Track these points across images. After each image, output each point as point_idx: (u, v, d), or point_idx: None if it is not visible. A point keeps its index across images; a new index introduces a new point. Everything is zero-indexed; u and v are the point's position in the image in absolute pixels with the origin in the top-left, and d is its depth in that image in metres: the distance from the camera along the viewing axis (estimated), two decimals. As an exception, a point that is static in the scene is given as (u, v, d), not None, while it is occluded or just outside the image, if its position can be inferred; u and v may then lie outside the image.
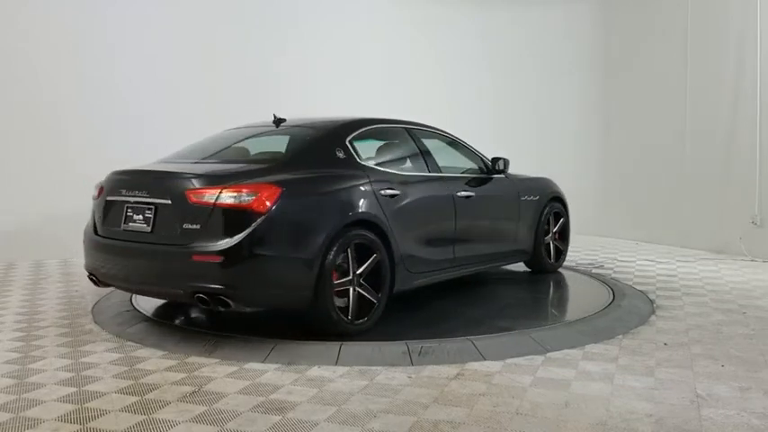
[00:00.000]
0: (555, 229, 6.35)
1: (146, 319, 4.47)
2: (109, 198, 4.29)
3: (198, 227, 3.75)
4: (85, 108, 7.70)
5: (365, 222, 4.21)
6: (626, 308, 4.77)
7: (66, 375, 3.42)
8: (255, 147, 4.88)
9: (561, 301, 5.33)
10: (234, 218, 3.74)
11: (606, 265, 6.82)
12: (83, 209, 7.52)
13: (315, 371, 3.47)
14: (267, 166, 4.21)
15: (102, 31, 7.79)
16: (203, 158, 4.64)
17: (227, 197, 3.75)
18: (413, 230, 4.63)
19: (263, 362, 3.61)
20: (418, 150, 5.16)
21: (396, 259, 4.40)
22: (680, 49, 8.31)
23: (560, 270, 6.52)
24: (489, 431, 2.68)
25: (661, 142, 8.67)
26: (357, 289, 4.12)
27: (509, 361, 3.60)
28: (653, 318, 4.60)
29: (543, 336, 4.00)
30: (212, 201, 3.75)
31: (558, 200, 6.42)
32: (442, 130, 5.63)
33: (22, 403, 3.03)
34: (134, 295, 5.25)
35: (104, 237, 4.28)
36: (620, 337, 4.10)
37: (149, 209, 4.00)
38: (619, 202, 9.55)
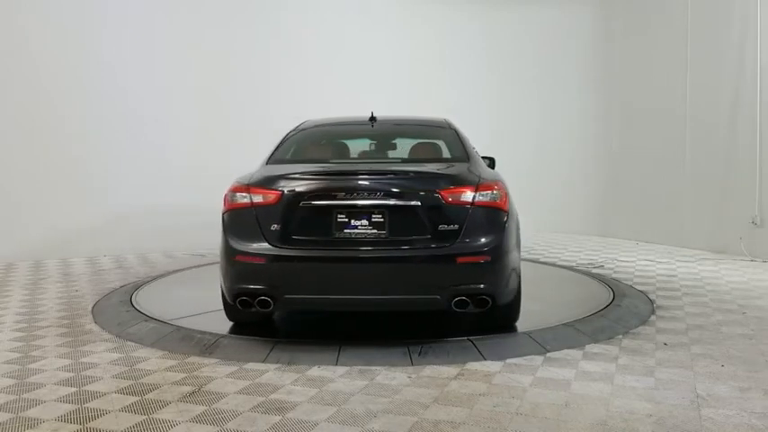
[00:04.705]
0: None
1: (146, 319, 4.46)
2: (306, 203, 3.79)
3: (456, 227, 3.71)
4: (86, 108, 7.70)
5: None
6: (626, 308, 4.77)
7: (67, 375, 3.42)
8: (400, 144, 4.97)
9: (561, 301, 5.32)
10: (490, 216, 3.80)
11: (606, 265, 6.82)
12: (82, 209, 7.62)
13: (315, 371, 3.46)
14: (469, 164, 4.21)
15: (103, 31, 7.79)
16: (373, 158, 4.70)
17: (481, 196, 3.79)
18: None
19: (263, 362, 3.60)
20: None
21: None
22: (680, 49, 8.30)
23: (560, 269, 6.55)
24: (489, 431, 2.68)
25: (661, 142, 8.67)
26: None
27: (509, 361, 3.60)
28: (653, 318, 4.59)
29: (543, 336, 4.00)
30: (470, 200, 3.76)
31: None
32: None
33: (22, 403, 3.03)
34: (134, 295, 5.25)
35: (300, 248, 3.76)
36: (620, 337, 4.10)
37: (379, 212, 3.73)
38: (619, 202, 9.54)
